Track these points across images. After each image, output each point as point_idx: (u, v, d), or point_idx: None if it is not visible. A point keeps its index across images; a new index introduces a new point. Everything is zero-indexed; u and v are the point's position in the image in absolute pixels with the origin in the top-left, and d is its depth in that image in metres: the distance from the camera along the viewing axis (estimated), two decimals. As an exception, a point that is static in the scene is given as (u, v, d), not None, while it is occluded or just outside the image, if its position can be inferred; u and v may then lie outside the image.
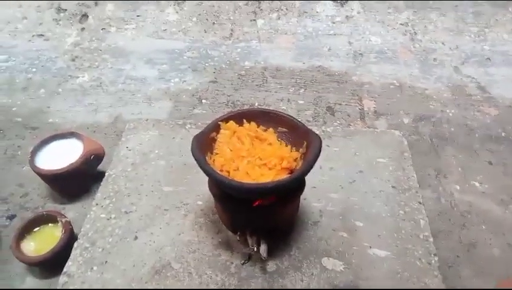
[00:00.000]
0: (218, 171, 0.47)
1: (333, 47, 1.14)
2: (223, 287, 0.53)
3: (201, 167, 0.46)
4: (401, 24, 1.20)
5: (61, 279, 0.55)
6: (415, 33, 1.17)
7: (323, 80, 1.03)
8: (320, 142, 0.48)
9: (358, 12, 1.23)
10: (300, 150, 0.51)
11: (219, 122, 0.53)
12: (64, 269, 0.56)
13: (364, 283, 0.54)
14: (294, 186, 0.52)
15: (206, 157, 0.50)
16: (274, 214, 0.54)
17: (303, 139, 0.51)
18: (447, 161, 0.82)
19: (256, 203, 0.51)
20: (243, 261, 0.56)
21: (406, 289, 0.53)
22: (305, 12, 1.24)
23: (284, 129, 0.55)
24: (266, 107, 0.56)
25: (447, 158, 0.83)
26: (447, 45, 1.14)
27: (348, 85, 1.02)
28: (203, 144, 0.50)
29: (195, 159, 0.47)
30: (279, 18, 1.24)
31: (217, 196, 0.53)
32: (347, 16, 1.23)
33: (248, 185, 0.45)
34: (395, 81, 1.03)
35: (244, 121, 0.54)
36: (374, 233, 0.60)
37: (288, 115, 0.55)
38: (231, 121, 0.53)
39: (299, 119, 0.54)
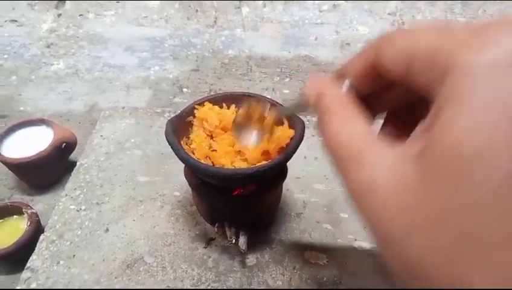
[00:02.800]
0: (194, 157, 0.43)
1: (320, 36, 1.11)
2: (199, 283, 0.50)
3: (175, 152, 0.43)
4: (389, 13, 1.18)
5: (24, 274, 0.51)
6: (403, 23, 1.15)
7: (309, 69, 1.00)
8: (304, 126, 0.45)
9: (346, 1, 1.20)
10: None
11: (195, 106, 0.49)
12: (28, 264, 0.52)
13: (348, 277, 0.51)
14: (276, 173, 0.49)
15: (182, 142, 0.46)
16: (254, 204, 0.51)
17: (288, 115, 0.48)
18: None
19: (236, 192, 0.47)
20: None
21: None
22: (292, 0, 1.21)
23: (266, 114, 0.51)
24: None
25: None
26: (435, 35, 1.12)
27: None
28: (179, 129, 0.47)
29: (169, 144, 0.43)
30: (264, 6, 1.20)
31: (193, 184, 0.49)
32: (334, 5, 1.20)
33: (226, 171, 0.41)
34: (382, 72, 1.00)
35: (224, 105, 0.51)
36: (359, 225, 0.57)
37: (271, 100, 0.51)
38: (207, 103, 0.49)
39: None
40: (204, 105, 0.49)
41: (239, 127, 0.45)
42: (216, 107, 0.50)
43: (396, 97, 0.27)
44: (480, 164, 0.14)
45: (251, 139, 0.44)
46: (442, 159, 0.15)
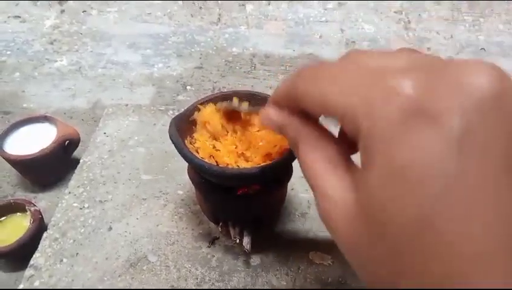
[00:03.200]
0: (198, 156, 0.43)
1: (325, 34, 1.10)
2: (202, 282, 0.50)
3: (179, 151, 0.42)
4: (394, 12, 1.17)
5: (27, 272, 0.50)
6: (409, 21, 1.14)
7: (313, 67, 0.99)
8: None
9: (351, -1, 1.20)
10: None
11: (199, 105, 0.49)
12: (31, 262, 0.52)
13: (353, 278, 0.51)
14: (281, 173, 0.48)
15: (186, 141, 0.45)
16: (259, 203, 0.50)
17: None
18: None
19: (240, 191, 0.47)
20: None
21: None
22: (296, -2, 1.20)
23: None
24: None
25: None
26: (441, 34, 1.11)
27: (339, 73, 0.98)
28: (183, 127, 0.46)
29: (173, 143, 0.43)
30: (269, 4, 1.19)
31: (196, 183, 0.49)
32: (339, 3, 1.19)
33: (230, 171, 0.41)
34: (387, 70, 0.99)
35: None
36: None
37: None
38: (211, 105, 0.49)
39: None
40: (207, 106, 0.49)
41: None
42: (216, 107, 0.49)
43: None
44: (389, 210, 0.18)
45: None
46: (366, 202, 0.19)
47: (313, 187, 0.23)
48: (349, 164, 0.23)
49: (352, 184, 0.21)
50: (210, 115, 0.47)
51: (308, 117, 0.25)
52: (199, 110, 0.49)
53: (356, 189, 0.20)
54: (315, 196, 0.23)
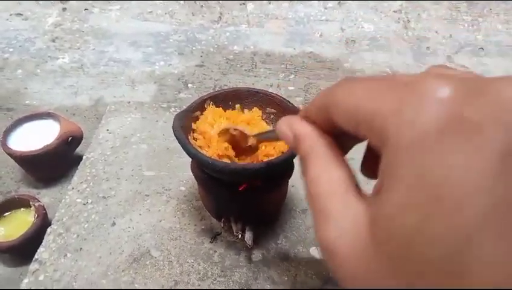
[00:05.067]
0: (201, 151, 0.43)
1: (325, 33, 1.11)
2: (205, 277, 0.50)
3: (182, 146, 0.43)
4: (394, 11, 1.17)
5: (32, 266, 0.51)
6: (408, 21, 1.15)
7: (314, 66, 1.00)
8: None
9: (351, -2, 1.20)
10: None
11: (204, 100, 0.49)
12: (36, 256, 0.52)
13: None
14: (282, 169, 0.49)
15: (189, 137, 0.46)
16: (261, 199, 0.51)
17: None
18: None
19: (242, 187, 0.48)
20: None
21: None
22: (297, -3, 1.21)
23: (273, 110, 0.52)
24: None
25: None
26: (440, 33, 1.12)
27: (339, 72, 0.99)
28: (186, 123, 0.47)
29: (177, 138, 0.44)
30: (269, 2, 1.20)
31: (200, 179, 0.50)
32: (339, 2, 1.20)
33: (233, 166, 0.41)
34: (387, 69, 1.00)
35: (230, 103, 0.51)
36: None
37: (277, 95, 0.52)
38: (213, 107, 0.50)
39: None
40: (206, 108, 0.49)
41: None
42: (220, 109, 0.50)
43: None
44: (416, 240, 0.15)
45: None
46: (387, 231, 0.16)
47: (315, 209, 0.21)
48: (360, 191, 0.21)
49: (365, 211, 0.19)
50: (206, 126, 0.48)
51: (328, 136, 0.24)
52: (203, 107, 0.50)
53: (374, 214, 0.18)
54: (316, 219, 0.21)
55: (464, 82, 0.16)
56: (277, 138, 0.32)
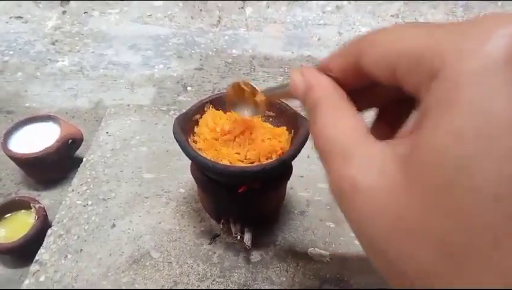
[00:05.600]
0: (201, 153, 0.44)
1: (323, 37, 1.12)
2: (204, 278, 0.51)
3: (182, 149, 0.44)
4: (391, 15, 1.19)
5: (33, 267, 0.52)
6: (406, 25, 1.16)
7: (312, 69, 1.01)
8: (308, 124, 0.45)
9: (349, 3, 1.21)
10: (289, 135, 0.49)
11: (203, 103, 0.50)
12: (36, 257, 0.53)
13: (351, 274, 0.52)
14: (281, 171, 0.50)
15: (189, 139, 0.47)
16: (260, 201, 0.52)
17: (291, 123, 0.49)
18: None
19: (242, 189, 0.48)
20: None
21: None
22: (295, 1, 1.22)
23: (271, 113, 0.52)
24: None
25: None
26: (437, 37, 1.13)
27: (337, 75, 0.99)
28: (186, 126, 0.48)
29: (177, 140, 0.44)
30: (268, 6, 1.21)
31: (199, 181, 0.50)
32: (337, 6, 1.21)
33: (232, 168, 0.42)
34: (384, 73, 1.01)
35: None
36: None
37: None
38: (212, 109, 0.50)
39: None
40: (206, 111, 0.50)
41: (232, 101, 0.45)
42: (220, 112, 0.50)
43: (384, 93, 0.25)
44: (464, 174, 0.14)
45: (245, 112, 0.44)
46: (427, 165, 0.15)
47: (331, 155, 0.20)
48: (375, 139, 0.19)
49: (394, 150, 0.17)
50: (203, 131, 0.48)
51: (342, 90, 0.23)
52: (203, 110, 0.50)
53: (408, 151, 0.16)
54: (334, 164, 0.19)
55: None
56: (287, 94, 0.31)
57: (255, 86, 0.41)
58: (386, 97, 0.26)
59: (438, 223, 0.14)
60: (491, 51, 0.14)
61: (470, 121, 0.14)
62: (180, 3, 1.20)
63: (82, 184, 0.63)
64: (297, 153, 0.44)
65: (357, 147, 0.19)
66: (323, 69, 0.24)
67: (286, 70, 1.00)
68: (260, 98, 0.40)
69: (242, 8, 1.20)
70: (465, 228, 0.14)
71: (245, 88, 0.43)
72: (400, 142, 0.18)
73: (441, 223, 0.14)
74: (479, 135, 0.14)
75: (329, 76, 0.24)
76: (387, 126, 0.27)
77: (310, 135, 0.23)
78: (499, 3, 1.22)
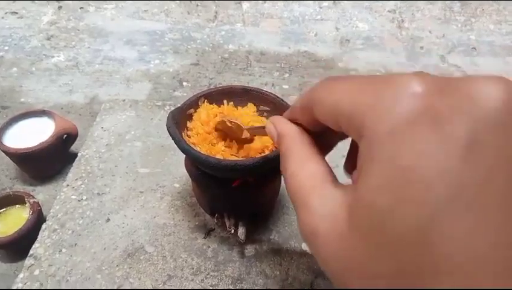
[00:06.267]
0: (195, 147, 0.44)
1: (320, 32, 1.11)
2: (198, 272, 0.51)
3: (176, 143, 0.44)
4: (388, 11, 1.18)
5: (27, 261, 0.52)
6: (402, 20, 1.16)
7: (309, 65, 1.01)
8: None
9: (346, -2, 1.21)
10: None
11: (198, 97, 0.50)
12: (31, 251, 0.53)
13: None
14: (275, 165, 0.49)
15: (183, 134, 0.47)
16: (254, 195, 0.52)
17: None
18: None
19: (236, 183, 0.48)
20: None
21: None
22: (292, -4, 1.22)
23: (266, 108, 0.52)
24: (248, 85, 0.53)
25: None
26: (433, 33, 1.13)
27: (334, 71, 1.00)
28: (180, 120, 0.48)
29: (171, 135, 0.44)
30: (265, 1, 1.21)
31: (193, 175, 0.50)
32: (334, 2, 1.21)
33: (226, 162, 0.42)
34: (381, 69, 1.01)
35: (225, 102, 0.52)
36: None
37: (270, 93, 0.52)
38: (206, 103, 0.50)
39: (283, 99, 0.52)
40: (200, 105, 0.50)
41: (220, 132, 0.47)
42: (214, 106, 0.50)
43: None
44: (388, 217, 0.17)
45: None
46: (362, 212, 0.18)
47: (297, 203, 0.23)
48: (337, 182, 0.23)
49: (343, 196, 0.20)
50: (197, 127, 0.49)
51: (308, 135, 0.26)
52: (197, 104, 0.50)
53: (350, 200, 0.19)
54: (298, 211, 0.22)
55: (437, 80, 0.18)
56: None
57: (240, 123, 0.44)
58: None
59: (373, 258, 0.17)
60: (397, 114, 0.17)
61: (385, 177, 0.17)
62: (177, -1, 1.20)
63: (77, 179, 0.62)
64: (291, 147, 0.44)
65: (313, 195, 0.22)
66: (291, 118, 0.28)
67: (282, 66, 1.00)
68: (245, 135, 0.44)
69: (239, 3, 1.20)
70: (395, 259, 0.16)
71: (230, 125, 0.45)
72: (349, 187, 0.21)
73: (375, 258, 0.17)
74: (392, 187, 0.17)
75: (297, 124, 0.27)
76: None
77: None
78: (496, -2, 1.22)
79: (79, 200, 0.59)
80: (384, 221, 0.17)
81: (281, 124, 0.28)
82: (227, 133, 0.47)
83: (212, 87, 0.91)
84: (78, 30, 1.09)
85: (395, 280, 0.17)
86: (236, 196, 0.50)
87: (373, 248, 0.17)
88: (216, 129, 0.47)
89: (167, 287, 0.49)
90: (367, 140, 0.18)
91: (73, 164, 0.65)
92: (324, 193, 0.21)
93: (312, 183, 0.22)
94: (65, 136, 0.68)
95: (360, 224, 0.18)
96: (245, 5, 1.19)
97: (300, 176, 0.23)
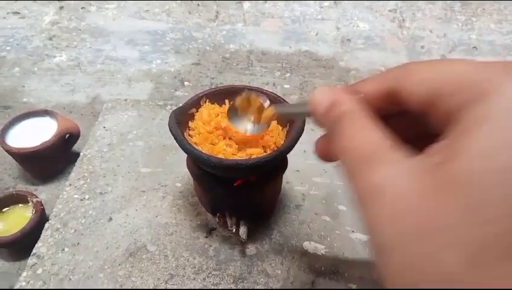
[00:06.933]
0: (197, 147, 0.44)
1: (321, 32, 1.12)
2: (200, 271, 0.51)
3: (178, 143, 0.44)
4: (389, 10, 1.19)
5: (30, 260, 0.52)
6: (403, 20, 1.16)
7: (309, 64, 1.01)
8: (304, 119, 0.46)
9: (347, -2, 1.21)
10: (284, 129, 0.49)
11: (199, 97, 0.50)
12: (34, 250, 0.53)
13: (345, 267, 0.53)
14: (276, 164, 0.50)
15: (185, 133, 0.47)
16: (255, 195, 0.52)
17: (286, 117, 0.49)
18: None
19: (237, 182, 0.49)
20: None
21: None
22: (293, -4, 1.22)
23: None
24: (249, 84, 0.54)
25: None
26: (434, 32, 1.13)
27: (334, 70, 1.00)
28: (182, 120, 0.48)
29: (173, 134, 0.45)
30: (265, 1, 1.21)
31: (195, 175, 0.51)
32: (335, 1, 1.21)
33: (227, 162, 0.42)
34: (382, 68, 1.01)
35: (226, 102, 0.52)
36: (356, 217, 0.58)
37: (271, 92, 0.52)
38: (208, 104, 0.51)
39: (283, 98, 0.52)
40: (202, 105, 0.50)
41: (235, 113, 0.45)
42: (216, 105, 0.51)
43: (401, 127, 0.25)
44: (503, 186, 0.14)
45: (247, 127, 0.44)
46: (468, 171, 0.16)
47: (359, 160, 0.20)
48: (402, 149, 0.20)
49: (418, 162, 0.18)
50: (198, 126, 0.49)
51: (369, 107, 0.23)
52: (198, 104, 0.51)
53: (438, 161, 0.17)
54: (356, 172, 0.20)
55: None
56: (300, 112, 0.33)
57: (264, 102, 0.42)
58: (401, 132, 0.26)
59: (473, 231, 0.15)
60: None
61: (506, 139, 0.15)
62: (178, -2, 1.20)
63: (79, 178, 0.63)
64: (292, 146, 0.44)
65: (385, 155, 0.19)
66: (350, 91, 0.24)
67: (284, 65, 1.00)
68: (269, 112, 0.40)
69: (240, 3, 1.20)
70: (500, 240, 0.14)
71: (252, 103, 0.43)
72: (430, 154, 0.18)
73: (476, 233, 0.15)
74: None
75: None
76: None
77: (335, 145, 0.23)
78: (497, -2, 1.22)
79: (81, 200, 0.60)
80: (502, 181, 0.15)
81: (335, 92, 0.24)
82: (244, 111, 0.45)
83: (213, 87, 0.92)
84: (80, 30, 1.09)
85: (494, 265, 0.14)
86: (237, 195, 0.50)
87: (477, 217, 0.15)
88: (232, 106, 0.45)
89: (169, 286, 0.50)
90: (496, 99, 0.17)
91: (76, 164, 0.65)
92: (397, 154, 0.19)
93: (381, 145, 0.20)
94: (67, 135, 0.69)
95: (459, 184, 0.16)
96: (246, 4, 1.20)
97: (366, 137, 0.21)
